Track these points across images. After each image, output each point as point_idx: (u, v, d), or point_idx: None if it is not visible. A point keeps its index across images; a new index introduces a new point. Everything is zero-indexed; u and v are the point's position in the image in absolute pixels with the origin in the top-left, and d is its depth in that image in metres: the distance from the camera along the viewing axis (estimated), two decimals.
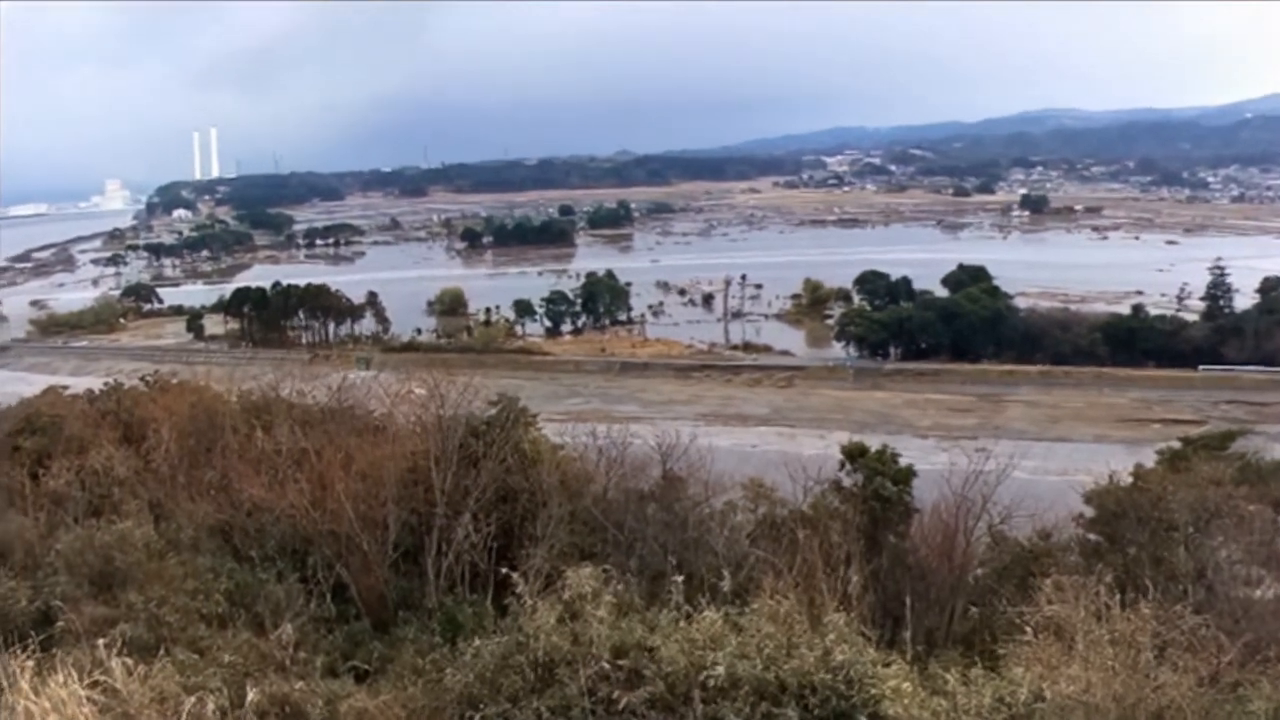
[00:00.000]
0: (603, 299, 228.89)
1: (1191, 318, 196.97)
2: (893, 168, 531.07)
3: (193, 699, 14.52)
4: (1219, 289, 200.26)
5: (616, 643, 15.27)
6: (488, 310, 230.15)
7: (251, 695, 15.69)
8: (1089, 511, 44.05)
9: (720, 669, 14.44)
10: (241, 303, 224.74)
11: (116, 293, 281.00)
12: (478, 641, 16.40)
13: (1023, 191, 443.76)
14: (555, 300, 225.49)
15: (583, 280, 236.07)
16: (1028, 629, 16.87)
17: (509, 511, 36.33)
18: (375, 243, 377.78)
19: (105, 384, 65.59)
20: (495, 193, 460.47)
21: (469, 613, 29.88)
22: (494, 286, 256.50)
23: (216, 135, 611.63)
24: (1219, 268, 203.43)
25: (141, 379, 67.86)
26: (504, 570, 21.61)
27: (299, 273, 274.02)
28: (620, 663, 14.97)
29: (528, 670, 15.30)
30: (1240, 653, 17.91)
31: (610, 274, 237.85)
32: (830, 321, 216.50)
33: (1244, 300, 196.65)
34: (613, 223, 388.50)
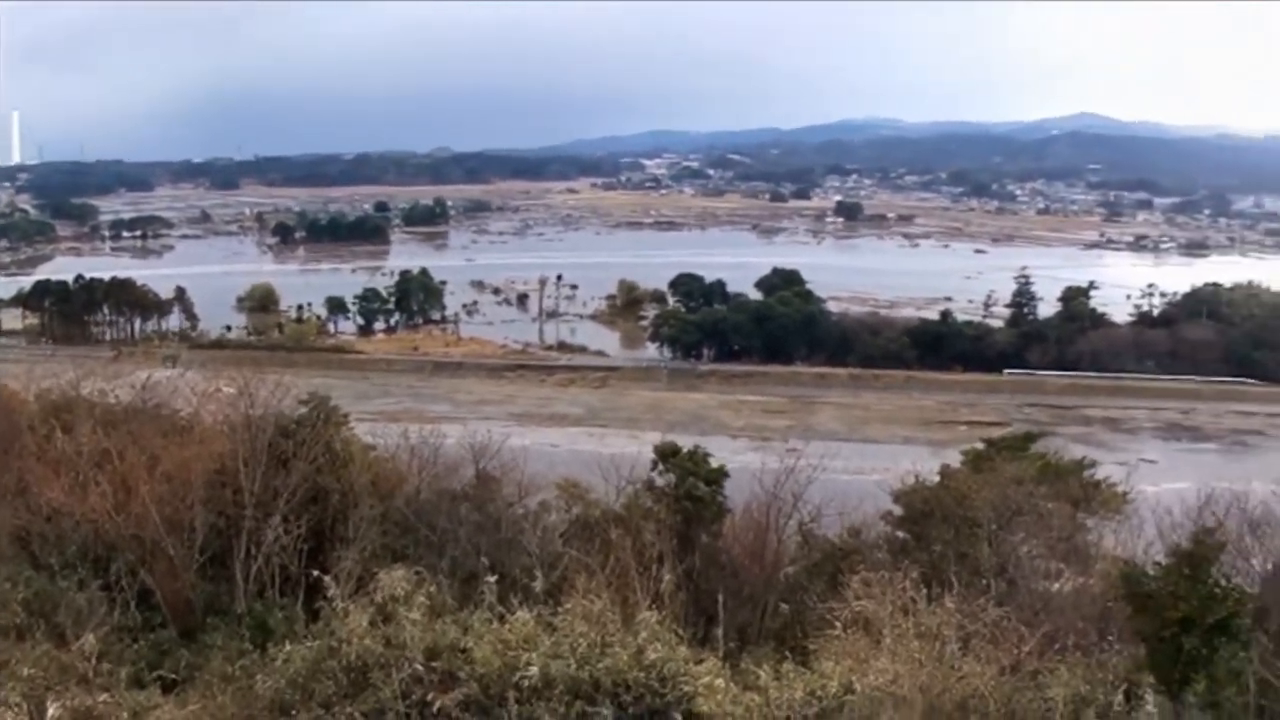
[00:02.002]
0: (417, 297, 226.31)
1: (997, 324, 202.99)
2: (711, 172, 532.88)
3: None
4: (1023, 296, 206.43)
5: (430, 645, 15.23)
6: (299, 307, 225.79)
7: (52, 710, 15.37)
8: (897, 510, 45.03)
9: (534, 669, 14.47)
10: (41, 296, 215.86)
11: None
12: (289, 646, 16.19)
13: (838, 198, 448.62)
14: (369, 298, 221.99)
15: (397, 278, 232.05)
16: (837, 624, 17.18)
17: (320, 513, 35.87)
18: (184, 236, 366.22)
19: None
20: (310, 187, 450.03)
21: (279, 617, 29.45)
22: (306, 283, 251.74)
23: (18, 119, 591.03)
24: (1024, 276, 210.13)
25: None
26: (315, 573, 21.28)
27: (104, 265, 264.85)
28: (434, 665, 14.93)
29: (340, 675, 15.16)
30: (1040, 643, 18.47)
31: (425, 272, 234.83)
32: (645, 323, 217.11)
33: (1047, 308, 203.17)
34: (429, 220, 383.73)
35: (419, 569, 18.05)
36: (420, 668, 14.86)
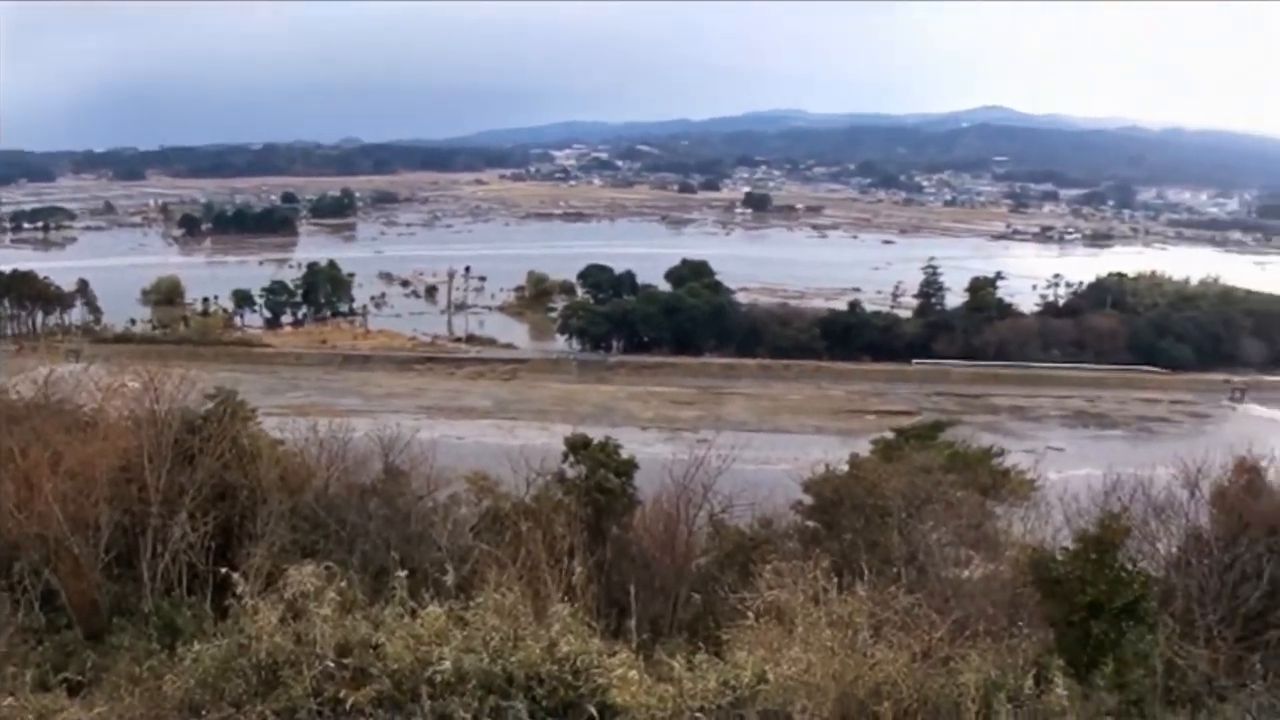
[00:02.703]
0: (324, 290, 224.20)
1: (905, 314, 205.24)
2: (620, 163, 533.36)
3: None
4: (931, 287, 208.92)
5: (341, 641, 15.02)
6: (205, 300, 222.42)
7: None
8: (807, 499, 45.28)
9: (447, 664, 14.31)
10: None
11: None
12: (198, 646, 15.87)
13: (747, 189, 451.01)
14: (275, 290, 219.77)
15: (304, 270, 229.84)
16: (749, 614, 17.19)
17: (227, 509, 35.39)
18: (88, 228, 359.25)
19: None
20: (216, 178, 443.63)
21: (188, 616, 28.99)
22: (212, 275, 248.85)
23: None
24: (931, 267, 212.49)
25: None
26: (223, 570, 20.99)
27: (3, 258, 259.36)
28: (345, 661, 14.74)
29: (250, 673, 14.91)
30: (951, 629, 18.53)
31: (333, 264, 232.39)
32: (554, 314, 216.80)
33: (954, 298, 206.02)
34: (336, 212, 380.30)
35: (329, 564, 17.80)
36: (332, 664, 14.65)
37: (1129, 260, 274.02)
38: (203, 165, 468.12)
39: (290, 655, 14.86)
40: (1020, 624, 23.04)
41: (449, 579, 18.88)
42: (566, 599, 17.73)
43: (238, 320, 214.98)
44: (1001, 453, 60.96)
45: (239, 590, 16.36)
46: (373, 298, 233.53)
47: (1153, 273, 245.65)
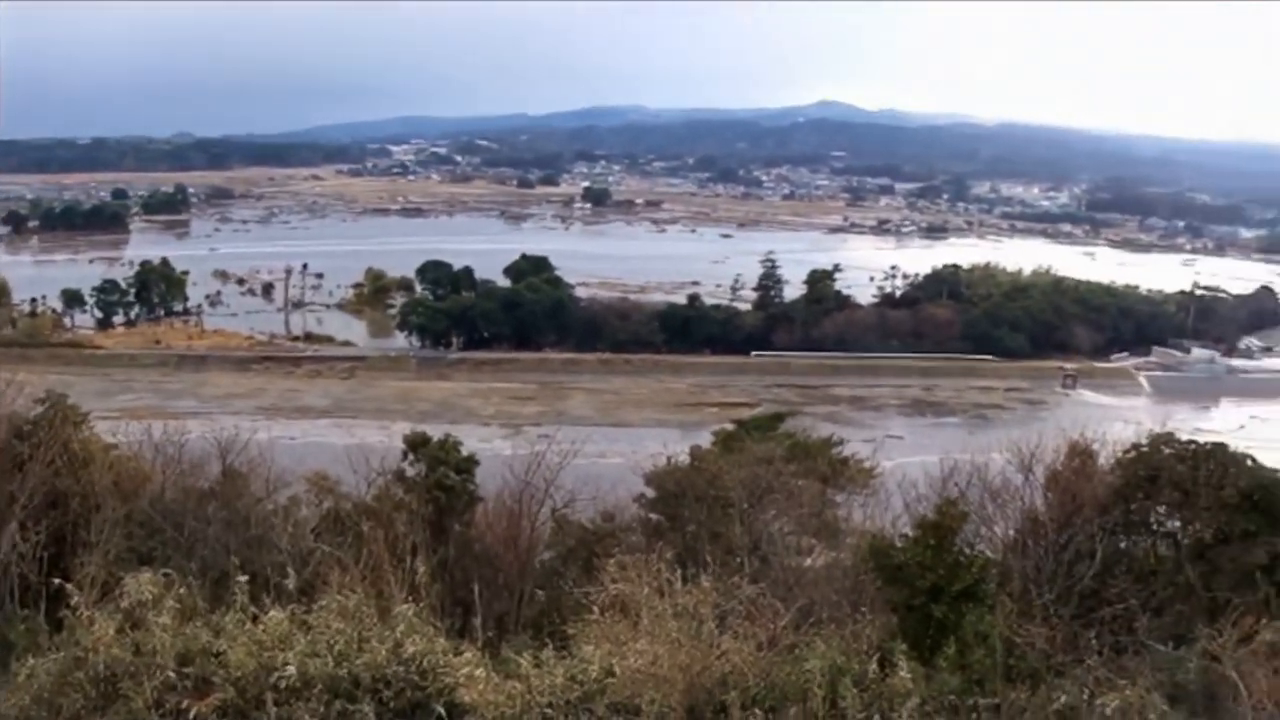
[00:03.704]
0: (158, 288, 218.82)
1: (745, 307, 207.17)
2: (458, 158, 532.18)
3: None
4: (770, 280, 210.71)
5: (182, 650, 14.74)
6: (33, 300, 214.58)
7: None
8: (650, 492, 45.39)
9: (291, 669, 14.11)
10: None
11: None
12: (32, 660, 15.52)
13: (586, 184, 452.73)
14: (107, 290, 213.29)
15: (137, 269, 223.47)
16: (595, 608, 17.14)
17: (60, 517, 34.43)
18: None
19: None
20: (43, 174, 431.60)
21: (21, 630, 28.23)
22: (40, 275, 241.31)
23: None
24: (770, 260, 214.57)
25: None
26: (57, 581, 20.49)
27: None
28: (187, 671, 14.47)
29: (88, 686, 14.54)
30: (795, 617, 18.71)
31: (166, 262, 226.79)
32: (392, 311, 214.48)
33: (793, 290, 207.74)
34: (169, 208, 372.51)
35: (167, 571, 17.47)
36: (173, 674, 14.36)
37: (964, 252, 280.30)
38: (28, 160, 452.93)
39: (129, 666, 14.56)
40: (863, 610, 23.26)
41: (291, 582, 18.64)
42: (410, 599, 17.54)
43: (67, 321, 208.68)
44: (841, 442, 61.72)
45: (74, 601, 15.98)
46: (208, 296, 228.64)
47: (987, 264, 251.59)
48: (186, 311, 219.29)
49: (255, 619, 15.60)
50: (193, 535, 34.99)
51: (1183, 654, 19.70)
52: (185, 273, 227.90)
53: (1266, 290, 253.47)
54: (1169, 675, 18.27)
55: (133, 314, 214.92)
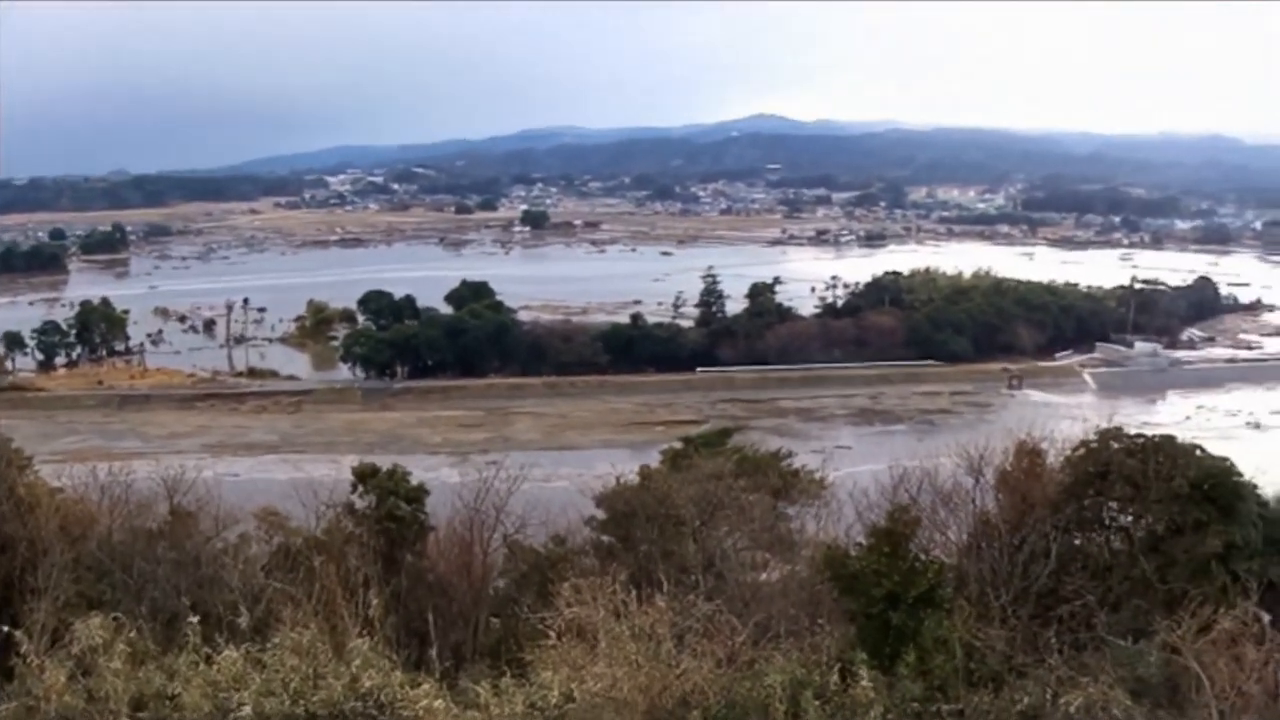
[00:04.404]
0: (99, 328, 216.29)
1: (687, 324, 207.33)
2: (396, 186, 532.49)
3: None
4: (711, 295, 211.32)
5: (135, 694, 14.54)
6: None
7: None
8: (601, 514, 45.25)
9: (247, 709, 13.93)
10: None
11: None
12: None
13: (524, 208, 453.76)
14: (47, 331, 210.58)
15: (77, 309, 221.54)
16: (551, 633, 17.10)
17: (7, 564, 33.93)
18: None
19: None
20: None
21: None
22: None
23: None
24: (711, 276, 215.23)
25: None
26: (5, 629, 20.26)
27: None
28: (140, 715, 14.27)
29: None
30: (753, 632, 18.75)
31: (106, 301, 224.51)
32: (335, 343, 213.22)
33: (735, 305, 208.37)
34: (108, 247, 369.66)
35: (117, 615, 17.24)
36: (127, 719, 14.22)
37: (903, 258, 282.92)
38: None
39: (82, 713, 14.35)
40: (821, 622, 23.35)
41: (243, 621, 18.48)
42: (365, 633, 17.41)
43: (8, 364, 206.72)
44: (790, 454, 61.73)
45: (23, 649, 15.73)
46: (149, 335, 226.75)
47: (927, 269, 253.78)
48: (128, 351, 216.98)
49: (209, 659, 15.41)
50: (142, 577, 34.57)
51: (1143, 647, 19.72)
52: (126, 311, 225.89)
53: (1205, 281, 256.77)
54: (1130, 670, 18.31)
55: (74, 355, 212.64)
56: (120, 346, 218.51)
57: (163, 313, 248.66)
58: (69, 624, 16.46)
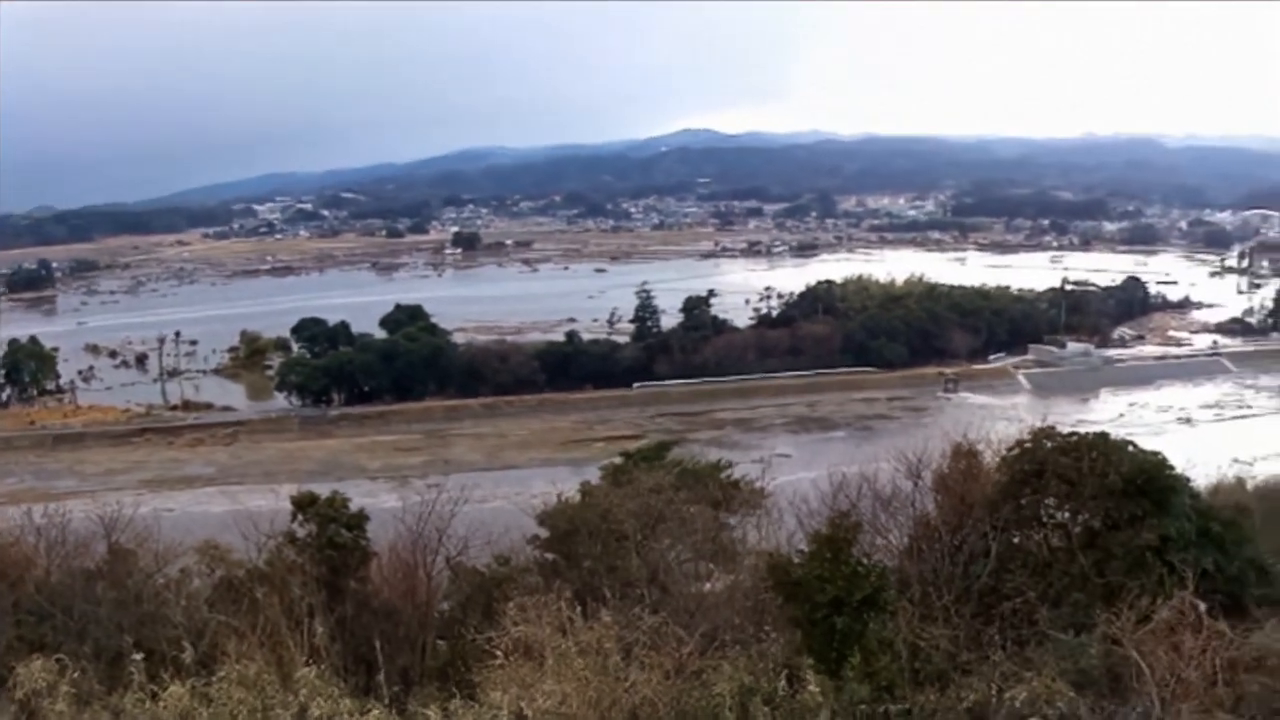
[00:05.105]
0: (28, 368, 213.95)
1: (623, 339, 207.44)
2: (325, 212, 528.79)
3: None
4: (646, 310, 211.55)
5: None
6: None
7: None
8: (543, 532, 45.21)
9: None
10: None
11: None
12: None
13: (455, 229, 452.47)
14: None
15: (4, 349, 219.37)
16: (499, 653, 17.11)
17: None
18: None
19: None
20: None
21: None
22: None
23: None
24: (645, 291, 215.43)
25: None
26: None
27: None
28: None
29: None
30: (700, 642, 18.80)
31: (34, 340, 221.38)
32: (270, 372, 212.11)
33: (670, 319, 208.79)
34: (33, 284, 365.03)
35: (60, 657, 17.11)
36: None
37: (836, 267, 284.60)
38: None
39: None
40: (767, 629, 23.46)
41: (188, 656, 18.36)
42: (311, 661, 17.36)
43: None
44: (730, 465, 61.88)
45: None
46: (80, 372, 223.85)
47: (860, 277, 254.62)
48: (59, 389, 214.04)
49: (155, 697, 15.35)
50: (83, 617, 34.22)
51: (1084, 640, 20.02)
52: (55, 349, 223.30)
53: (1133, 280, 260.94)
54: (1073, 662, 18.58)
55: (4, 396, 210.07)
56: (51, 385, 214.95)
57: (93, 349, 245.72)
58: (11, 668, 16.32)
